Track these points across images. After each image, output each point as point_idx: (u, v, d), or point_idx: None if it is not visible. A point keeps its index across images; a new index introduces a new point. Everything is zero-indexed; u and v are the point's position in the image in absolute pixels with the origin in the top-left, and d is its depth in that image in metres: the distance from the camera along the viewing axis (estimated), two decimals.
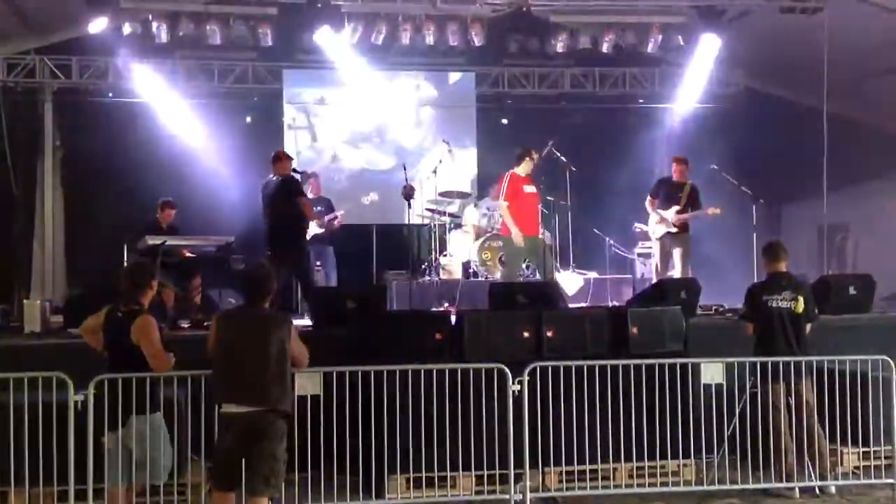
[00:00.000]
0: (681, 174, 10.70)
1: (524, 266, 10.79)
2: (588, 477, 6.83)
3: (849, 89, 12.56)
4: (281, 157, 9.62)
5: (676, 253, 10.53)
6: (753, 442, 6.96)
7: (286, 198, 9.30)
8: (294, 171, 9.73)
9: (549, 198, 12.09)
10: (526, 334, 7.30)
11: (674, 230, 10.47)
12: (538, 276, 10.42)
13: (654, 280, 10.48)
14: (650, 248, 11.57)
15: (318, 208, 11.24)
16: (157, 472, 5.72)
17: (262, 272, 5.63)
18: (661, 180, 11.00)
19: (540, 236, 10.33)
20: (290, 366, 5.54)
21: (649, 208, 10.77)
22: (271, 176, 9.58)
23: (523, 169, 10.00)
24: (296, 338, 5.62)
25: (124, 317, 5.67)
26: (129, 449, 5.62)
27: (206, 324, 8.59)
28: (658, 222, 10.61)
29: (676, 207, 10.44)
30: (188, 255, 9.56)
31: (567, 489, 6.77)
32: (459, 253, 12.08)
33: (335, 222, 11.27)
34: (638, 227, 11.91)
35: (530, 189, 10.03)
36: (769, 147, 12.88)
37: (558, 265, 12.04)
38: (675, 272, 10.47)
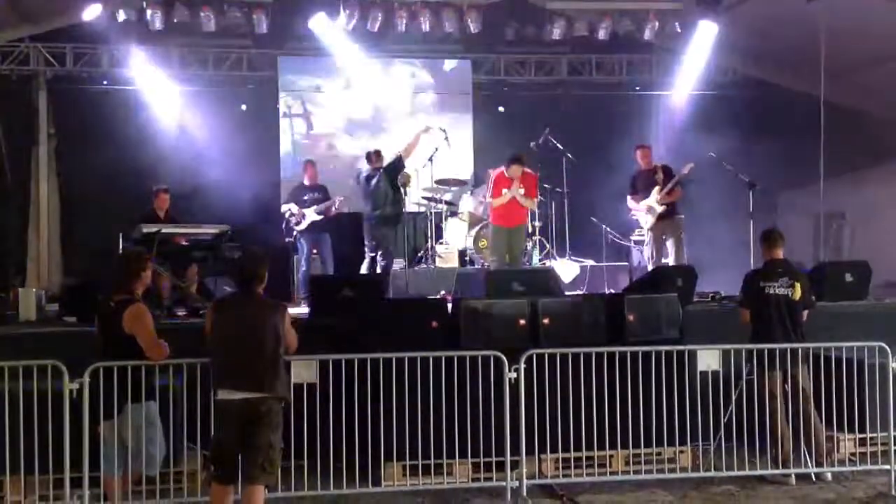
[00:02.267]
0: (646, 160, 10.91)
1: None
2: (584, 464, 6.83)
3: (846, 77, 12.55)
4: (380, 155, 10.56)
5: (670, 242, 10.55)
6: (750, 429, 6.99)
7: (390, 185, 10.33)
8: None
9: (545, 185, 12.11)
10: (522, 322, 7.29)
11: (661, 209, 10.51)
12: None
13: (650, 268, 10.48)
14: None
15: (315, 195, 11.24)
16: (151, 463, 5.72)
17: (255, 259, 5.59)
18: (634, 175, 11.10)
19: (521, 225, 10.44)
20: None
21: (633, 205, 10.86)
22: (369, 169, 10.47)
23: (510, 172, 10.12)
24: (289, 324, 5.58)
25: (116, 306, 5.65)
26: (124, 437, 5.62)
27: (201, 312, 8.58)
28: (646, 212, 10.65)
29: (657, 188, 10.50)
30: (184, 243, 9.53)
31: (563, 476, 6.77)
32: (456, 241, 12.07)
33: (332, 209, 11.26)
34: (634, 215, 11.91)
35: (511, 193, 10.15)
36: (766, 134, 12.85)
37: (555, 253, 12.06)
38: (670, 260, 10.47)
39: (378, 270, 10.33)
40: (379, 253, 10.38)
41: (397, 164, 10.37)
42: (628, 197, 10.95)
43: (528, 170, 10.33)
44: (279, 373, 5.39)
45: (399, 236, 11.08)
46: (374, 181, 10.35)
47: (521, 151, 10.57)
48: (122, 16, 12.05)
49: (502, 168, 10.21)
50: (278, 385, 5.35)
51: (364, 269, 10.55)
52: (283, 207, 11.37)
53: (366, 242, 10.55)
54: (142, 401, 5.65)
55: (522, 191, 10.15)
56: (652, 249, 10.75)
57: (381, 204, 10.30)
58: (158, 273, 8.87)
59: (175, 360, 5.98)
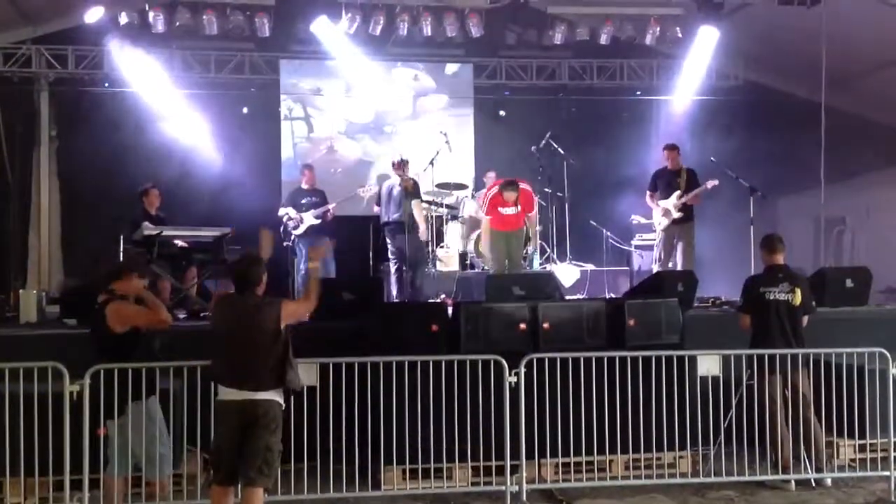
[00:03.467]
0: (674, 161, 10.71)
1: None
2: (584, 469, 6.84)
3: (847, 82, 12.56)
4: (406, 163, 10.75)
5: (680, 246, 10.50)
6: (750, 434, 6.99)
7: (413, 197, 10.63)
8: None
9: (546, 189, 12.12)
10: (522, 326, 7.28)
11: (678, 215, 10.44)
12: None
13: (655, 270, 10.47)
14: (647, 240, 11.55)
15: (312, 199, 11.23)
16: (164, 463, 5.71)
17: (248, 261, 5.58)
18: (657, 172, 10.90)
19: (519, 229, 10.44)
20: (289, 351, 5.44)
21: (650, 203, 10.76)
22: (394, 181, 10.64)
23: (506, 197, 10.13)
24: (290, 307, 5.47)
25: (99, 306, 5.68)
26: (127, 438, 5.61)
27: (202, 314, 8.59)
28: (662, 214, 10.58)
29: (678, 192, 10.42)
30: (183, 245, 9.54)
31: (563, 481, 6.78)
32: (456, 244, 12.07)
33: (329, 214, 11.26)
34: (635, 219, 11.90)
35: (508, 211, 10.20)
36: (767, 139, 12.86)
37: (556, 257, 12.06)
38: (678, 264, 10.43)
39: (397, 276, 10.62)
40: (395, 258, 10.60)
41: (416, 190, 10.74)
42: (647, 193, 10.81)
43: (523, 186, 10.34)
44: (277, 373, 5.31)
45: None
46: (394, 189, 10.53)
47: (514, 178, 10.55)
48: (124, 18, 12.05)
49: (497, 189, 10.21)
50: (276, 385, 5.29)
51: (393, 282, 10.74)
52: (281, 211, 11.33)
53: (389, 249, 10.71)
54: (142, 399, 5.64)
55: (512, 210, 10.24)
56: (661, 251, 10.67)
57: (397, 210, 10.50)
58: (158, 275, 8.88)
59: (175, 363, 5.98)
